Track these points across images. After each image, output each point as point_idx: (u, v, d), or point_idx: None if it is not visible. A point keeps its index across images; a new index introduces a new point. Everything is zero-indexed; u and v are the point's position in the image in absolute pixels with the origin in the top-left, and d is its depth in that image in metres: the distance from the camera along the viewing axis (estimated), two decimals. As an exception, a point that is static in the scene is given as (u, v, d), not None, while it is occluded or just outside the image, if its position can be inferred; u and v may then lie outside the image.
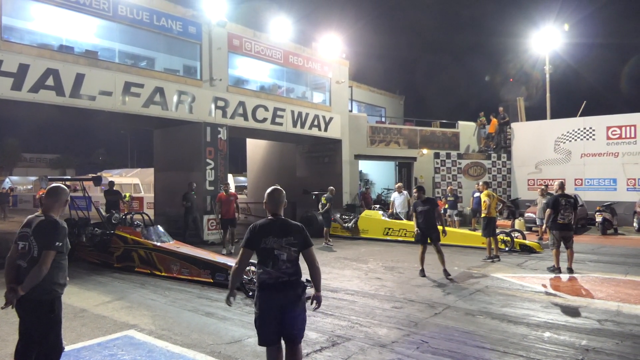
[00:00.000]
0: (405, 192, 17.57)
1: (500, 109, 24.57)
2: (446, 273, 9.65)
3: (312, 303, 4.12)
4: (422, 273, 9.93)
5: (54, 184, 4.36)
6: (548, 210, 10.29)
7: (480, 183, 14.14)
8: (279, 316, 3.98)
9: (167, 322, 6.67)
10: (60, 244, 4.01)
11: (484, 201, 11.99)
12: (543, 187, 15.30)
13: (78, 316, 6.98)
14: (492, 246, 11.91)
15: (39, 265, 3.89)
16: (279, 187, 4.35)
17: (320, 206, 15.33)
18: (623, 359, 5.21)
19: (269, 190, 4.32)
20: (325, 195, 15.23)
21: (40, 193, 30.70)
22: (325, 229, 15.10)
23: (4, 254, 4.31)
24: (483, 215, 12.00)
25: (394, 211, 16.75)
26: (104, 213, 12.67)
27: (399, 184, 18.29)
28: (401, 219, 16.30)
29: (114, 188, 17.41)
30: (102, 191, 18.81)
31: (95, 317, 6.94)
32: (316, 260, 4.14)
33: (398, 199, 16.99)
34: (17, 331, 4.09)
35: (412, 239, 15.10)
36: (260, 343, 4.08)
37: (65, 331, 4.89)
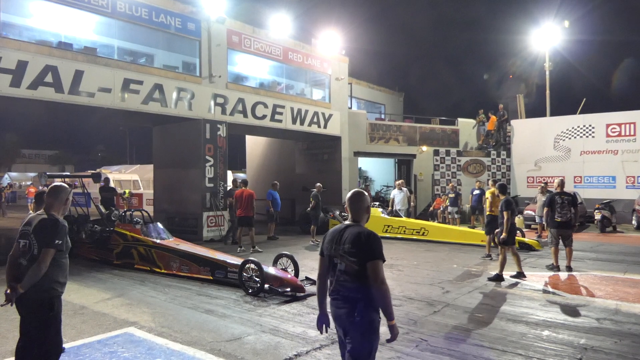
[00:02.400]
0: (405, 188, 17.57)
1: (500, 106, 24.58)
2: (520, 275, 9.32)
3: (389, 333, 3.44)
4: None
5: (56, 183, 4.36)
6: (545, 208, 10.31)
7: (490, 182, 13.93)
8: (343, 336, 3.50)
9: (167, 320, 6.68)
10: (60, 242, 4.02)
11: (487, 198, 11.90)
12: (543, 184, 15.32)
13: (78, 313, 6.99)
14: (493, 244, 11.90)
15: (37, 263, 3.90)
16: (361, 191, 3.77)
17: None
18: (621, 357, 5.22)
19: (350, 193, 3.76)
20: (312, 192, 15.22)
21: (29, 189, 30.77)
22: (312, 226, 15.08)
23: (2, 250, 4.31)
24: (487, 212, 11.90)
25: (394, 209, 16.75)
26: (103, 210, 12.67)
27: (400, 181, 18.29)
28: (401, 217, 16.31)
29: (110, 185, 17.42)
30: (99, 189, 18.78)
31: (95, 314, 6.95)
32: (379, 279, 3.30)
33: (398, 196, 16.97)
34: (18, 328, 4.10)
35: (412, 237, 15.19)
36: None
37: (65, 328, 4.90)
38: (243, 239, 13.60)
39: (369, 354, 3.36)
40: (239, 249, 13.02)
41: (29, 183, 36.34)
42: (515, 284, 8.89)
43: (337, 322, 3.50)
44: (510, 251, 9.34)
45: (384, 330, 3.40)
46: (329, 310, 3.63)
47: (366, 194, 3.79)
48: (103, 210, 12.41)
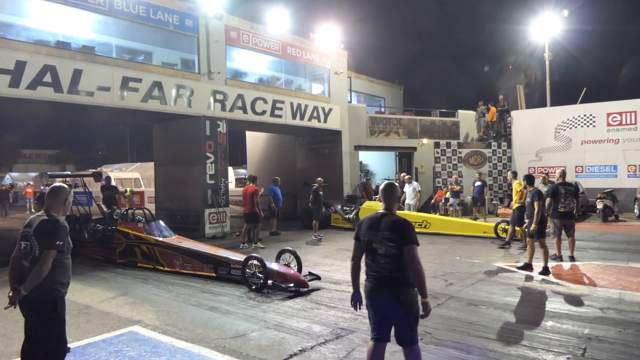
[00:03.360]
0: (415, 182, 17.67)
1: (500, 97, 24.53)
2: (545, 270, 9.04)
3: (421, 309, 3.92)
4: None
5: (55, 184, 4.36)
6: (548, 199, 10.28)
7: (510, 174, 13.50)
8: (384, 313, 3.95)
9: (171, 317, 6.69)
10: (61, 243, 4.02)
11: (516, 190, 11.69)
12: (544, 175, 15.29)
13: (82, 313, 7.01)
14: (519, 236, 11.85)
15: (39, 265, 3.90)
16: (393, 183, 4.34)
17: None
18: (626, 346, 5.23)
19: (382, 185, 4.29)
20: (313, 186, 15.19)
21: (26, 189, 30.79)
22: (314, 221, 15.06)
23: (4, 251, 4.33)
24: (516, 205, 11.63)
25: (405, 202, 16.86)
26: (104, 209, 12.66)
27: (407, 176, 18.40)
28: (409, 210, 16.38)
29: (111, 183, 17.39)
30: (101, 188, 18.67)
31: (100, 314, 6.96)
32: (415, 260, 3.82)
33: (408, 190, 17.10)
34: (22, 329, 4.11)
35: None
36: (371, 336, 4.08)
37: (70, 328, 4.91)
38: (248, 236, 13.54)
39: (416, 320, 3.92)
40: (242, 245, 13.03)
41: (26, 183, 36.31)
42: (518, 276, 8.89)
43: (374, 298, 3.96)
44: (539, 243, 9.04)
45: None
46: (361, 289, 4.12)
47: (397, 185, 4.34)
48: (105, 209, 12.40)
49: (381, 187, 4.27)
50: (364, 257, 4.09)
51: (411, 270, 3.84)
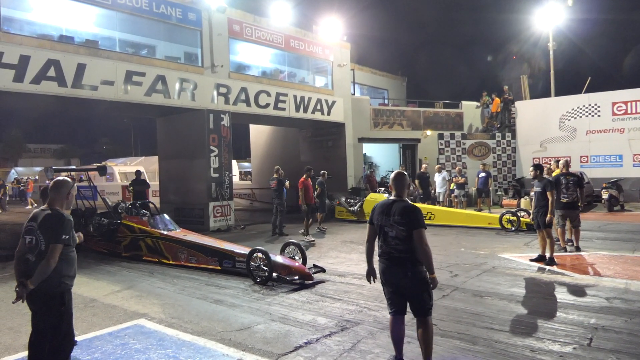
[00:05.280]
0: (444, 172, 18.27)
1: (505, 87, 24.39)
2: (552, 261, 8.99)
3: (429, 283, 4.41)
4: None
5: (59, 177, 4.37)
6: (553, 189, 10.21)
7: (554, 163, 13.17)
8: (395, 287, 4.46)
9: (176, 311, 6.71)
10: (67, 236, 4.04)
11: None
12: (549, 165, 15.19)
13: (89, 306, 7.04)
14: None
15: (46, 259, 3.92)
16: (403, 172, 4.74)
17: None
18: (632, 336, 5.22)
19: (393, 174, 4.72)
20: (318, 179, 15.11)
21: (30, 184, 30.79)
22: (319, 214, 14.96)
23: (5, 245, 4.34)
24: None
25: (435, 192, 17.86)
26: (130, 203, 12.52)
27: (438, 165, 19.46)
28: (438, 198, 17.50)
29: (142, 177, 16.97)
30: (129, 182, 18.22)
31: (106, 307, 7.00)
32: (423, 242, 4.29)
33: (438, 179, 17.91)
34: (30, 323, 4.14)
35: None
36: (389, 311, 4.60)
37: (77, 321, 4.93)
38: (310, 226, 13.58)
39: (429, 296, 4.44)
40: (305, 234, 13.19)
41: (26, 178, 36.29)
42: (524, 267, 8.88)
43: (387, 276, 4.48)
44: (545, 234, 8.97)
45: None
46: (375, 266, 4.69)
47: (406, 174, 4.75)
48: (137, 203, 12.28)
49: (392, 175, 4.72)
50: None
51: (420, 251, 4.31)
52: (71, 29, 13.19)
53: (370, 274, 4.72)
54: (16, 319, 6.27)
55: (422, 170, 19.05)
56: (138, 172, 17.33)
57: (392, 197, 4.63)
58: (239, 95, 16.67)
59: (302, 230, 13.29)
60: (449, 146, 22.44)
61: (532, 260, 9.21)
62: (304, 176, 13.82)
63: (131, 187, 17.00)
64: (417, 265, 4.37)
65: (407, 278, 4.35)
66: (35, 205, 27.48)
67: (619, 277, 7.79)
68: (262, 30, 17.61)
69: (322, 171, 15.53)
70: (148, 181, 19.15)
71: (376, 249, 4.65)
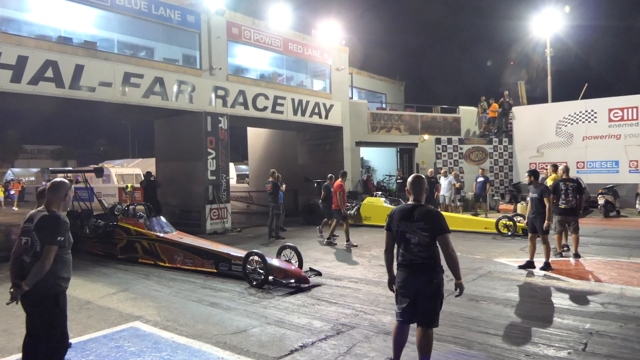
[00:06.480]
0: (450, 176, 18.10)
1: (506, 92, 24.42)
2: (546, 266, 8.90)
3: (455, 289, 4.39)
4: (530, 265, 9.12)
5: (56, 179, 4.37)
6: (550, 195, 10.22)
7: (550, 167, 12.12)
8: (412, 296, 4.27)
9: (172, 313, 6.70)
10: (62, 238, 4.03)
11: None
12: (545, 171, 15.22)
13: (83, 308, 7.02)
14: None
15: (41, 260, 3.91)
16: (421, 175, 4.62)
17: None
18: (627, 341, 5.23)
19: (410, 178, 4.57)
20: (325, 183, 14.81)
21: (15, 185, 30.71)
22: (325, 219, 14.64)
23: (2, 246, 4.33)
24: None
25: (440, 195, 17.76)
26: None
27: (444, 169, 19.19)
28: (444, 202, 17.43)
29: (151, 178, 16.69)
30: (139, 183, 17.89)
31: (101, 309, 6.97)
32: (450, 248, 4.22)
33: (444, 184, 17.79)
34: (24, 325, 4.12)
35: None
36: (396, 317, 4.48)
37: (71, 323, 4.92)
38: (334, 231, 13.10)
39: (440, 303, 4.32)
40: (328, 238, 12.91)
41: (31, 179, 36.20)
42: (520, 272, 8.89)
43: (408, 285, 4.29)
44: (542, 239, 8.94)
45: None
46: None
47: (424, 177, 4.63)
48: (149, 204, 12.16)
49: (409, 179, 4.55)
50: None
51: (446, 257, 4.25)
52: (70, 30, 13.19)
53: (391, 283, 4.58)
54: (11, 321, 6.24)
55: (428, 175, 18.99)
56: (149, 173, 17.24)
57: (410, 202, 4.45)
58: (237, 98, 16.68)
59: (347, 241, 12.47)
60: (446, 151, 22.47)
61: (520, 267, 9.07)
62: (339, 180, 12.92)
63: (144, 185, 16.87)
64: (439, 272, 4.30)
65: (430, 285, 4.22)
66: (15, 208, 27.58)
67: (614, 283, 7.81)
68: (261, 33, 17.64)
69: (329, 174, 14.77)
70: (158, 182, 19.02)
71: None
